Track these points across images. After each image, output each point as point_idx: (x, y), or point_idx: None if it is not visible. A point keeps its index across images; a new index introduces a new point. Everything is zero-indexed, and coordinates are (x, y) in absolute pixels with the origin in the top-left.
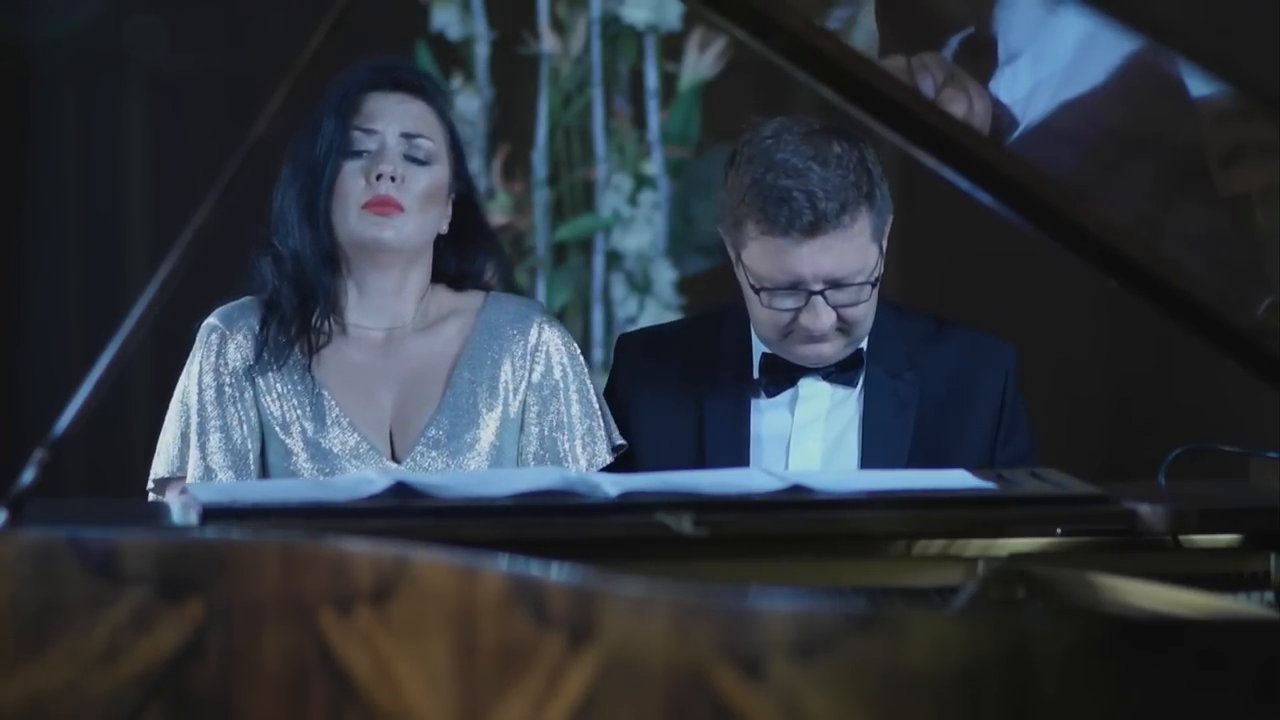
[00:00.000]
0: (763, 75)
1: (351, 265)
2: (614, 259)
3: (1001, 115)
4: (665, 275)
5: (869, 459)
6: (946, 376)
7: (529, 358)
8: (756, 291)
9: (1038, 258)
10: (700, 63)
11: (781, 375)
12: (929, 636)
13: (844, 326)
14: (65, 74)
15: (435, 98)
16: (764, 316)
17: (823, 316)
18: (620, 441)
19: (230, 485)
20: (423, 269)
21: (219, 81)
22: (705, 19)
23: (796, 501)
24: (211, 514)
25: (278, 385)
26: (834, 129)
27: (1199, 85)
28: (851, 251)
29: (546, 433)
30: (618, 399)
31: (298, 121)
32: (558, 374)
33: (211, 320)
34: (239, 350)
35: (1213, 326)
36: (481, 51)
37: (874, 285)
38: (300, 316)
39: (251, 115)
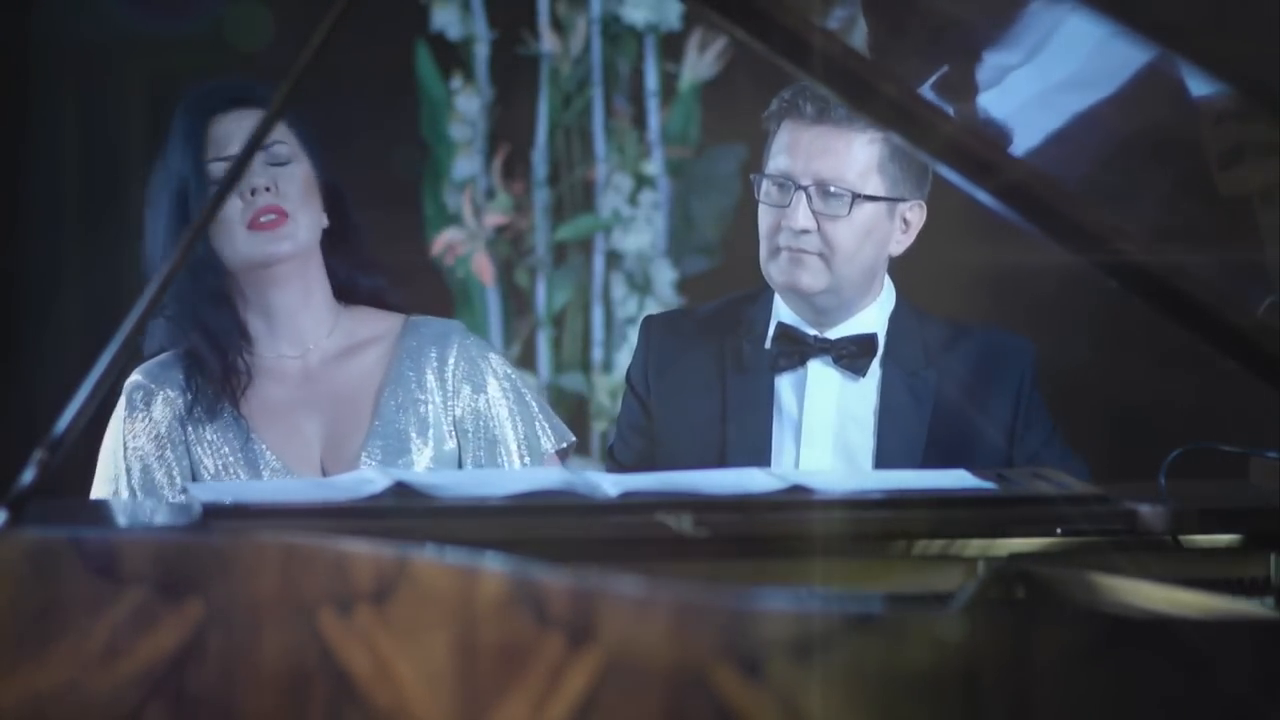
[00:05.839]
0: (763, 75)
1: (248, 294)
2: (614, 259)
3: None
4: (665, 275)
5: (884, 451)
6: (965, 374)
7: (452, 387)
8: (757, 185)
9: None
10: (700, 63)
11: (792, 348)
12: (929, 636)
13: (824, 251)
14: (65, 74)
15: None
16: (761, 219)
17: (800, 215)
18: (570, 439)
19: (230, 485)
20: (321, 277)
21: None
22: (705, 19)
23: (796, 501)
24: (211, 514)
25: (208, 435)
26: None
27: (1199, 85)
28: (847, 156)
29: (484, 460)
30: (641, 379)
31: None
32: (486, 393)
33: (136, 378)
34: (167, 406)
35: (1213, 326)
36: (481, 51)
37: (855, 202)
38: (219, 361)
39: None
